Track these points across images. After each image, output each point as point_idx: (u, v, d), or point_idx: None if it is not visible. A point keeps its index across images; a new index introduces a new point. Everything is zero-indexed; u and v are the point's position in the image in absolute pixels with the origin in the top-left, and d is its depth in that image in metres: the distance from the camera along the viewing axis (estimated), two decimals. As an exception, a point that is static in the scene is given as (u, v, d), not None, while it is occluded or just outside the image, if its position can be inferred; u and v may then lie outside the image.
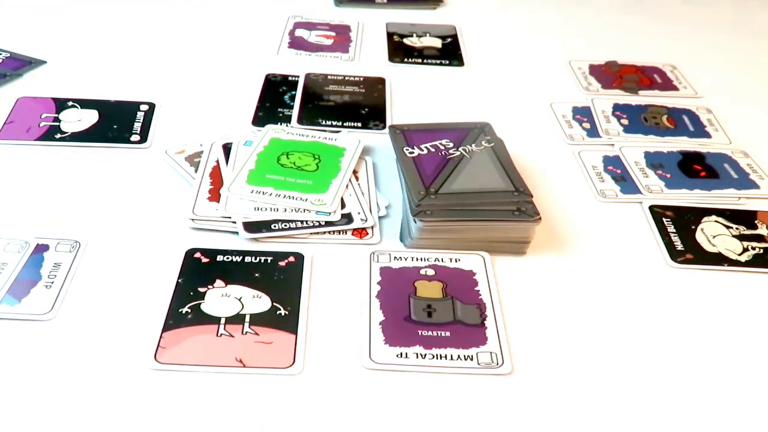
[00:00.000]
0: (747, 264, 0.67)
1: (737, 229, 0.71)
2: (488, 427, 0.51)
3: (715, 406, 0.54)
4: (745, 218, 0.72)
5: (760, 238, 0.70)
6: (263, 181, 0.70)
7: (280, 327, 0.57)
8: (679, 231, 0.70)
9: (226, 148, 0.75)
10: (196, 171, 0.73)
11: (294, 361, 0.54)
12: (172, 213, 0.68)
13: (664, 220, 0.71)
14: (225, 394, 0.52)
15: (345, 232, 0.67)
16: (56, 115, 0.81)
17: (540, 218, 0.65)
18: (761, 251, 0.68)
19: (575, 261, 0.66)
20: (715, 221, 0.71)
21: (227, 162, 0.73)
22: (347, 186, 0.71)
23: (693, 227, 0.71)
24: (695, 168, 0.79)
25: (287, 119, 0.83)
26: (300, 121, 0.83)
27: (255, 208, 0.67)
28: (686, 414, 0.53)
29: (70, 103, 0.83)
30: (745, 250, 0.68)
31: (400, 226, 0.68)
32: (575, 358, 0.57)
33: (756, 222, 0.72)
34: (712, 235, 0.70)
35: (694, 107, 0.91)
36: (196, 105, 0.86)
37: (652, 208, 0.73)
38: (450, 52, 1.02)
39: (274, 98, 0.88)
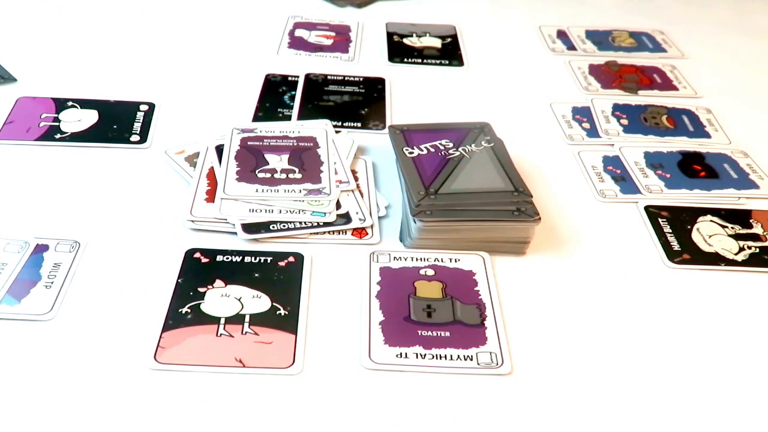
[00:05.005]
0: (744, 263, 0.67)
1: (732, 228, 0.71)
2: (488, 427, 0.51)
3: (713, 406, 0.54)
4: (739, 217, 0.72)
5: (755, 237, 0.70)
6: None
7: (280, 327, 0.57)
8: (675, 231, 0.70)
9: (220, 150, 0.75)
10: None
11: (294, 361, 0.54)
12: (171, 213, 0.68)
13: (659, 220, 0.71)
14: (225, 394, 0.52)
15: (344, 232, 0.67)
16: (56, 115, 0.81)
17: (540, 218, 0.65)
18: (757, 250, 0.69)
19: (575, 261, 0.66)
20: (710, 221, 0.71)
21: (220, 163, 0.73)
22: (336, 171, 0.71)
23: (689, 227, 0.71)
24: (695, 168, 0.79)
25: (287, 119, 0.83)
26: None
27: (250, 210, 0.67)
28: (684, 413, 0.53)
29: (70, 103, 0.83)
30: (742, 249, 0.68)
31: (400, 226, 0.68)
32: (574, 358, 0.57)
33: (751, 221, 0.72)
34: (708, 234, 0.70)
35: (694, 107, 0.91)
36: (196, 105, 0.86)
37: (647, 208, 0.73)
38: (450, 52, 1.02)
39: (273, 98, 0.88)
